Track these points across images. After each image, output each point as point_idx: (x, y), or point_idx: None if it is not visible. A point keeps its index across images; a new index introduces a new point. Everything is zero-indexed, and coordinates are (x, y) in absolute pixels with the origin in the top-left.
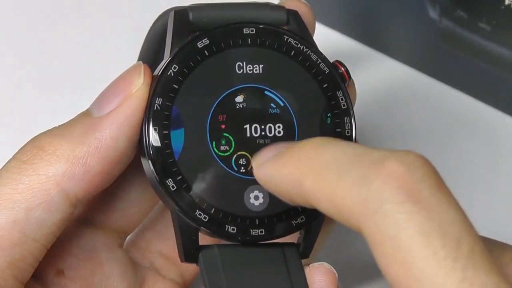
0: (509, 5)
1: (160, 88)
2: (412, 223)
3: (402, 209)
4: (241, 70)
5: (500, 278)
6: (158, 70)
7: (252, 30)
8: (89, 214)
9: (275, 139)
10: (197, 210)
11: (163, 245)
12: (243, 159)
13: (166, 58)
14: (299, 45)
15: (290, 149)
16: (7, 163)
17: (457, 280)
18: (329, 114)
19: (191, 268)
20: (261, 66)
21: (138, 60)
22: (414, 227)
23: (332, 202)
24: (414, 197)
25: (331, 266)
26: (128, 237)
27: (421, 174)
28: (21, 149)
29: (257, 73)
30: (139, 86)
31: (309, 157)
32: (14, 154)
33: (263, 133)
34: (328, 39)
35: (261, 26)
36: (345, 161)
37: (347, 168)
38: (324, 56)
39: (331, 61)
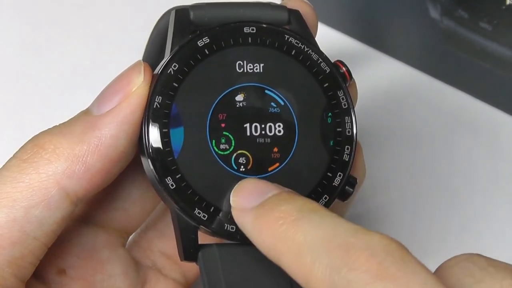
0: (510, 5)
1: (160, 86)
2: None
3: None
4: (242, 69)
5: None
6: (158, 69)
7: (252, 29)
8: (91, 213)
9: (275, 138)
10: (196, 209)
11: (165, 245)
12: (243, 158)
13: (167, 56)
14: (300, 45)
15: (270, 213)
16: (7, 162)
17: None
18: (329, 114)
19: (193, 268)
20: (261, 65)
21: (143, 59)
22: None
23: (308, 284)
24: (380, 276)
25: None
26: (130, 236)
27: (384, 254)
28: (21, 148)
29: (257, 72)
30: (139, 85)
31: (285, 233)
32: (15, 153)
33: (263, 132)
34: (329, 39)
35: (261, 25)
36: (317, 244)
37: (319, 254)
38: (325, 55)
39: (332, 61)
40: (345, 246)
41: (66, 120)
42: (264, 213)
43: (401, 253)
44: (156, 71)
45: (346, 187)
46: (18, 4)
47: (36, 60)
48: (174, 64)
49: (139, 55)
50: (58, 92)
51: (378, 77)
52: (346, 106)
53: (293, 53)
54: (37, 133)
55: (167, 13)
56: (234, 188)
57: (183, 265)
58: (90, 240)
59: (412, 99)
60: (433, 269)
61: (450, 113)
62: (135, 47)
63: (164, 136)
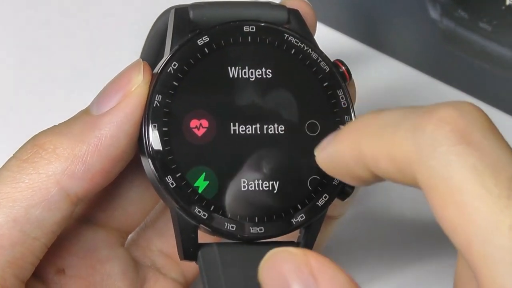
0: (510, 5)
1: (160, 85)
2: (465, 164)
3: (455, 151)
4: (241, 69)
5: None
6: (158, 68)
7: (252, 28)
8: (90, 213)
9: (275, 137)
10: (196, 208)
11: (164, 244)
12: None
13: (166, 55)
14: (299, 44)
15: (348, 124)
16: (7, 162)
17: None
18: (329, 113)
19: (192, 267)
20: (261, 64)
21: (141, 58)
22: (467, 167)
23: (389, 157)
24: (466, 139)
25: None
26: (129, 236)
27: (473, 118)
28: (21, 147)
29: (257, 71)
30: (139, 84)
31: (366, 124)
32: (14, 153)
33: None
34: (328, 39)
35: (261, 24)
36: (399, 116)
37: (401, 121)
38: (325, 54)
39: (332, 60)
40: (432, 108)
41: (65, 119)
42: (343, 128)
43: (489, 123)
44: (155, 70)
45: (346, 187)
46: (18, 4)
47: (36, 59)
48: (174, 63)
49: (139, 55)
50: (58, 92)
51: (378, 77)
52: (346, 105)
53: (292, 52)
54: (37, 132)
55: (166, 12)
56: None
57: (182, 264)
58: (89, 240)
59: (411, 99)
60: (435, 270)
61: None
62: (135, 46)
63: (164, 135)
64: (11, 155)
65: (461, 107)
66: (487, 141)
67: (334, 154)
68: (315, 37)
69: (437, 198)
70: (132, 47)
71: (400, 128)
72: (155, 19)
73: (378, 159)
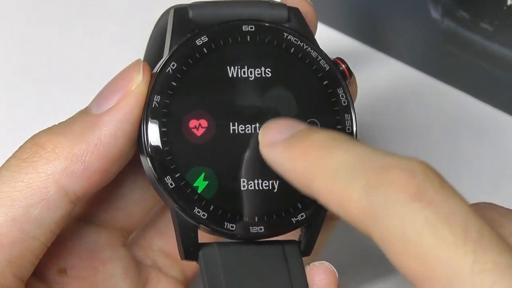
0: (511, 5)
1: (159, 85)
2: (419, 218)
3: (408, 208)
4: (240, 68)
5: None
6: (156, 68)
7: (251, 28)
8: (91, 213)
9: None
10: (196, 208)
11: (164, 243)
12: None
13: (165, 55)
14: (299, 42)
15: (302, 142)
16: (6, 161)
17: (470, 262)
18: (329, 111)
19: (192, 265)
20: (260, 64)
21: (144, 58)
22: (421, 221)
23: (342, 207)
24: (418, 196)
25: (332, 266)
26: (130, 235)
27: (424, 177)
28: (20, 147)
29: (256, 71)
30: (138, 83)
31: (321, 157)
32: (14, 152)
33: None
34: (329, 39)
35: (260, 23)
36: (353, 166)
37: (355, 175)
38: (325, 53)
39: (332, 59)
40: (384, 166)
41: (65, 119)
42: (295, 142)
43: (440, 179)
44: (155, 70)
45: None
46: (18, 4)
47: (36, 59)
48: (173, 63)
49: (139, 54)
50: (57, 91)
51: (379, 77)
52: (346, 104)
53: (292, 51)
54: (36, 132)
55: (168, 11)
56: (261, 130)
57: (182, 263)
58: (91, 240)
59: (412, 100)
60: None
61: (450, 114)
62: (135, 46)
63: (163, 135)
64: (11, 154)
65: (412, 168)
66: (439, 196)
67: (282, 164)
68: (316, 36)
69: (394, 252)
70: (133, 46)
71: (353, 186)
72: (157, 18)
73: (329, 202)
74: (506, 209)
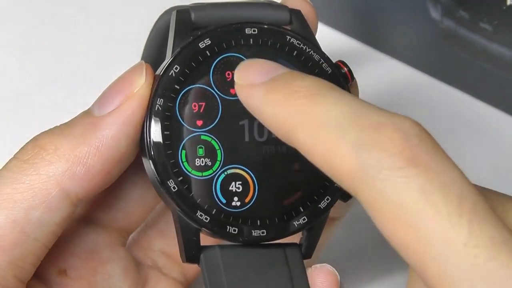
0: (510, 5)
1: (162, 88)
2: (414, 186)
3: (402, 173)
4: None
5: (507, 231)
6: (159, 70)
7: (254, 30)
8: (91, 214)
9: (275, 139)
10: (198, 211)
11: (165, 244)
12: None
13: (168, 58)
14: (301, 45)
15: (285, 86)
16: (7, 162)
17: (464, 234)
18: None
19: (192, 267)
20: None
21: (142, 59)
22: (415, 189)
23: (327, 162)
24: (413, 162)
25: (333, 268)
26: (130, 236)
27: (418, 140)
28: (22, 148)
29: None
30: (141, 86)
31: (304, 106)
32: (15, 154)
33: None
34: (330, 39)
35: (263, 26)
36: (342, 121)
37: (345, 130)
38: (327, 56)
39: (334, 61)
40: (375, 124)
41: (67, 120)
42: (277, 86)
43: (433, 142)
44: (157, 73)
45: None
46: (18, 4)
47: (37, 60)
48: (176, 66)
49: (140, 55)
50: (59, 93)
51: (378, 77)
52: None
53: (294, 54)
54: (38, 133)
55: (166, 12)
56: (237, 69)
57: (183, 264)
58: (90, 240)
59: (412, 100)
60: None
61: (450, 114)
62: (137, 47)
63: (166, 138)
64: (12, 156)
65: (406, 129)
66: (434, 162)
67: (259, 109)
68: (316, 37)
69: (384, 219)
70: (134, 48)
71: (343, 141)
72: (156, 19)
73: (312, 155)
74: (499, 192)
